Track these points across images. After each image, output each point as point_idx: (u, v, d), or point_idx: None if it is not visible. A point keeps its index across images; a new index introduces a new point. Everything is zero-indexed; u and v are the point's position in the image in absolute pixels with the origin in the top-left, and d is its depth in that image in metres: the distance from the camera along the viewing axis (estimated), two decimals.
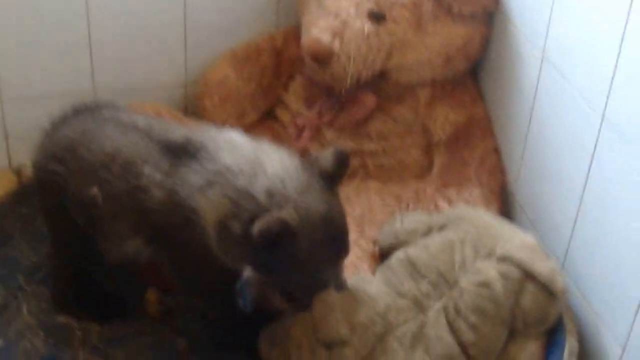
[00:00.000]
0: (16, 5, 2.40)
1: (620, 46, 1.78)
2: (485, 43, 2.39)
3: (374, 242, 2.20)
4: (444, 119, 2.38)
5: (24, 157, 2.40)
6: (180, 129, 1.90)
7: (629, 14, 1.75)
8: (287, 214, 1.69)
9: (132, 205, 1.83)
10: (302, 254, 1.74)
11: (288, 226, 1.68)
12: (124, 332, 2.09)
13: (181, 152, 1.81)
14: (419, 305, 1.93)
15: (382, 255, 2.13)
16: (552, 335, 1.98)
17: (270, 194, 1.71)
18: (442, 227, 2.08)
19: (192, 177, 1.77)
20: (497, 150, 2.36)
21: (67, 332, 2.08)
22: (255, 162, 1.77)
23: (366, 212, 2.29)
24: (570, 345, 1.94)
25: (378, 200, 2.33)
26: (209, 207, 1.75)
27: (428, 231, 2.09)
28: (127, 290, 2.15)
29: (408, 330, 1.89)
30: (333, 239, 1.79)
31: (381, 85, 2.39)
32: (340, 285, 1.86)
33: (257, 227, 1.66)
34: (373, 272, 2.10)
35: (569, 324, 1.98)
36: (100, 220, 1.88)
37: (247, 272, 1.88)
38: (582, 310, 2.02)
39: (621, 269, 1.84)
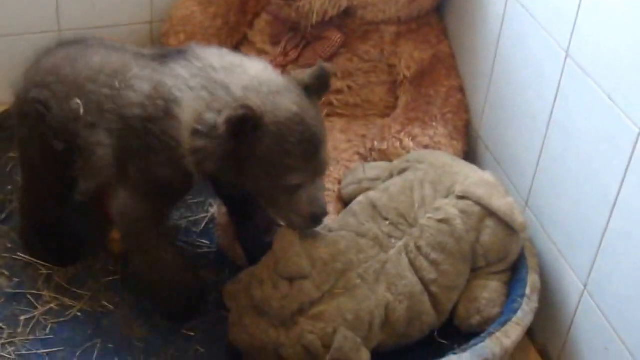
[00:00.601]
0: None
1: None
2: None
3: (339, 183, 2.19)
4: (409, 57, 2.38)
5: None
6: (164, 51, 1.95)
7: None
8: (253, 102, 1.73)
9: (114, 108, 1.87)
10: (268, 149, 1.77)
11: (252, 111, 1.71)
12: (88, 271, 2.10)
13: (171, 54, 1.88)
14: (380, 244, 1.95)
15: (346, 204, 2.14)
16: (515, 273, 2.00)
17: (246, 89, 1.76)
18: (402, 171, 2.10)
19: (179, 70, 1.82)
20: (461, 89, 2.36)
21: (32, 271, 2.09)
22: (238, 64, 1.82)
23: (331, 151, 2.26)
24: (532, 282, 1.96)
25: (343, 138, 2.33)
26: (190, 98, 1.79)
27: (389, 177, 2.11)
28: (91, 228, 2.16)
29: (370, 268, 1.91)
30: (305, 142, 1.79)
31: (347, 22, 2.39)
32: (319, 208, 1.85)
33: (224, 112, 1.71)
34: (338, 213, 2.10)
35: (531, 261, 2.00)
36: (78, 136, 1.91)
37: (217, 212, 1.88)
38: (545, 248, 2.04)
39: (583, 206, 1.85)
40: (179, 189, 1.95)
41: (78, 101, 1.91)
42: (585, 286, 1.87)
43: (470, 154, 2.29)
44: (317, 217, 1.85)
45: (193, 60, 1.84)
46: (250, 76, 1.80)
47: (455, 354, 1.81)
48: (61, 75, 1.96)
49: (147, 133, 1.84)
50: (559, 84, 1.91)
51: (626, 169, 1.69)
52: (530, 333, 2.05)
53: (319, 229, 1.93)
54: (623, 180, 1.70)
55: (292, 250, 1.87)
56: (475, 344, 1.83)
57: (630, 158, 1.67)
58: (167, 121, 1.80)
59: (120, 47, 1.98)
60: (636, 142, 1.65)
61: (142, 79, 1.86)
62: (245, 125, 1.72)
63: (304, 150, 1.79)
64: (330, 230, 1.97)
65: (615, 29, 1.70)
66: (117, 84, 1.87)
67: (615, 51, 1.69)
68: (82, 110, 1.90)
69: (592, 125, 1.79)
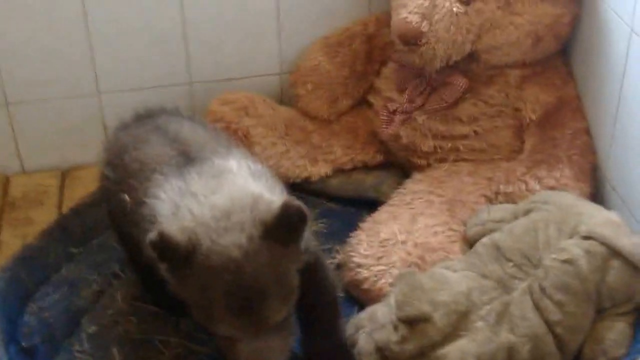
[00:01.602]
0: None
1: None
2: (575, 22, 2.36)
3: (465, 224, 2.20)
4: (534, 100, 2.35)
5: None
6: (207, 150, 1.84)
7: None
8: (173, 229, 1.57)
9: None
10: (194, 290, 1.60)
11: (166, 239, 1.54)
12: None
13: (195, 160, 1.79)
14: (504, 286, 1.94)
15: (471, 245, 2.13)
16: None
17: (197, 219, 1.61)
18: (526, 212, 2.09)
19: (177, 183, 1.73)
20: (587, 131, 2.33)
21: (159, 319, 2.12)
22: (213, 188, 1.68)
23: (457, 194, 2.29)
24: None
25: (470, 181, 2.32)
26: (163, 217, 1.69)
27: (514, 219, 2.10)
28: None
29: (492, 310, 1.89)
30: (232, 295, 1.57)
31: (471, 67, 2.39)
32: None
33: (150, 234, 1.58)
34: (463, 254, 2.10)
35: None
36: (129, 228, 1.88)
37: None
38: None
39: None
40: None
41: (126, 197, 1.85)
42: None
43: (597, 196, 2.26)
44: None
45: (187, 176, 1.73)
46: (208, 205, 1.63)
47: None
48: (124, 162, 1.91)
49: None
50: None
51: None
52: None
53: (441, 268, 1.94)
54: None
55: (413, 294, 1.87)
56: None
57: None
58: None
59: (174, 135, 1.89)
60: None
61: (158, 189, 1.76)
62: (169, 252, 1.56)
63: (231, 304, 1.58)
64: (454, 271, 1.98)
65: None
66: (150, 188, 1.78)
67: None
68: (128, 206, 1.85)
69: None
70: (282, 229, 1.59)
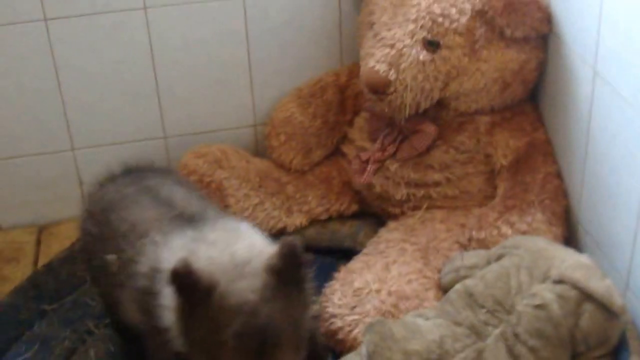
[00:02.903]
0: (82, 55, 2.48)
1: None
2: (542, 67, 2.34)
3: (439, 272, 2.16)
4: (505, 146, 2.33)
5: None
6: (205, 211, 1.85)
7: None
8: (198, 265, 1.57)
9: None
10: (202, 326, 1.58)
11: (190, 271, 1.54)
12: None
13: (196, 218, 1.79)
14: (477, 333, 1.90)
15: (445, 292, 2.09)
16: (617, 357, 1.91)
17: (212, 262, 1.62)
18: (498, 258, 2.06)
19: (179, 239, 1.73)
20: (559, 175, 2.30)
21: None
22: (230, 240, 1.69)
23: (430, 241, 2.25)
24: None
25: (443, 228, 2.29)
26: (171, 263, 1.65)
27: (487, 264, 2.07)
28: None
29: (466, 358, 1.85)
30: (246, 337, 1.56)
31: (441, 114, 2.36)
32: None
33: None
34: (438, 302, 2.06)
35: (633, 344, 1.91)
36: (112, 288, 1.87)
37: None
38: None
39: None
40: None
41: (114, 258, 1.84)
42: None
43: (571, 239, 2.22)
44: None
45: (198, 229, 1.74)
46: (228, 252, 1.64)
47: None
48: (109, 220, 1.90)
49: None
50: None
51: None
52: None
53: (413, 317, 1.89)
54: None
55: (384, 344, 1.84)
56: None
57: None
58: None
59: (167, 198, 1.89)
60: None
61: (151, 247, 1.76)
62: (189, 288, 1.56)
63: (245, 345, 1.57)
64: (427, 319, 1.93)
65: None
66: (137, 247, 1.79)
67: None
68: (116, 268, 1.83)
69: None
70: (286, 266, 1.59)
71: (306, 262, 1.63)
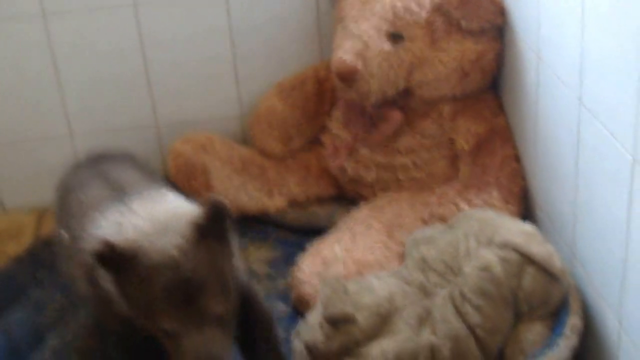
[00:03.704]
0: (79, 48, 2.65)
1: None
2: (500, 58, 2.47)
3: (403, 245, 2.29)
4: (467, 131, 2.45)
5: None
6: (139, 183, 1.97)
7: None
8: (119, 240, 1.67)
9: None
10: (138, 289, 1.68)
11: (109, 246, 1.64)
12: None
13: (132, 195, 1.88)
14: (425, 292, 2.03)
15: None
16: (558, 316, 2.02)
17: (135, 229, 1.72)
18: (451, 228, 2.19)
19: (112, 214, 1.82)
20: (517, 158, 2.43)
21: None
22: (152, 207, 1.79)
23: (395, 217, 2.38)
24: (572, 323, 1.99)
25: (408, 207, 2.41)
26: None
27: (442, 235, 2.19)
28: None
29: (414, 313, 1.98)
30: (174, 289, 1.66)
31: (407, 102, 2.49)
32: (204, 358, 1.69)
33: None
34: None
35: (574, 305, 2.03)
36: (67, 264, 2.00)
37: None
38: (589, 294, 2.06)
39: (619, 253, 1.88)
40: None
41: (64, 233, 1.96)
42: (620, 323, 1.90)
43: (528, 218, 2.33)
44: None
45: (128, 203, 1.82)
46: (150, 218, 1.74)
47: None
48: (65, 202, 2.06)
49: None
50: (578, 137, 1.99)
51: None
52: None
53: (369, 277, 2.03)
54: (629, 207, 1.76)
55: (337, 297, 1.97)
56: None
57: None
58: None
59: (114, 180, 1.98)
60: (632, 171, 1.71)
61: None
62: (111, 262, 1.66)
63: (172, 296, 1.66)
64: (380, 279, 2.07)
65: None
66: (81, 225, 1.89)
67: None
68: (67, 240, 1.95)
69: (613, 174, 1.85)
70: (211, 223, 1.68)
71: (229, 217, 1.71)
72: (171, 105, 2.75)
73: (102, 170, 2.06)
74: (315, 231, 2.50)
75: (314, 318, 2.00)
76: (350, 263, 2.22)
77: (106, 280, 1.73)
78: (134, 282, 1.67)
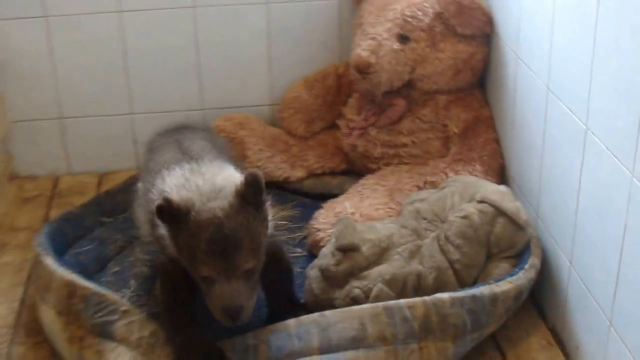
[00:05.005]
0: (147, 40, 3.06)
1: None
2: (487, 59, 2.88)
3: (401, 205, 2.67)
4: (457, 118, 2.85)
5: None
6: (205, 153, 2.21)
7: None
8: (176, 197, 1.93)
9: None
10: (187, 239, 1.93)
11: (170, 203, 1.89)
12: None
13: (196, 160, 2.14)
14: (417, 234, 2.42)
15: None
16: (522, 258, 2.40)
17: (193, 190, 1.97)
18: (441, 189, 2.57)
19: (180, 173, 2.08)
20: (497, 140, 2.82)
21: None
22: (215, 174, 2.04)
23: (396, 184, 2.76)
24: (531, 262, 2.37)
25: (407, 176, 2.79)
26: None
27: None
28: None
29: (407, 248, 2.37)
30: (215, 242, 1.90)
31: (410, 93, 2.90)
32: (230, 303, 1.92)
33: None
34: None
35: (534, 250, 2.41)
36: (138, 208, 2.32)
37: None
38: (547, 241, 2.45)
39: (572, 207, 2.26)
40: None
41: (140, 185, 2.27)
42: (571, 262, 2.27)
43: None
44: (228, 311, 1.93)
45: (196, 164, 2.08)
46: (209, 182, 1.98)
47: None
48: (148, 159, 2.32)
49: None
50: (545, 118, 2.38)
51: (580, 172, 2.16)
52: (542, 315, 2.45)
53: (373, 222, 2.45)
54: (581, 172, 2.17)
55: (347, 231, 2.36)
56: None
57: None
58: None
59: (185, 148, 2.24)
60: (584, 139, 2.13)
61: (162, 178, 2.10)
62: (169, 214, 1.91)
63: (213, 249, 1.90)
64: (382, 223, 2.48)
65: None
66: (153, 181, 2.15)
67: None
68: (140, 193, 2.26)
69: (572, 142, 2.23)
70: (250, 192, 1.95)
71: (264, 189, 1.96)
72: (215, 93, 3.14)
73: (179, 138, 2.34)
74: (327, 197, 2.86)
75: (327, 249, 2.41)
76: (358, 216, 2.61)
77: (163, 228, 2.01)
78: (184, 233, 1.94)
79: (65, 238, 2.61)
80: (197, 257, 1.93)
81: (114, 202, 2.83)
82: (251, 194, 1.95)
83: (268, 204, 2.05)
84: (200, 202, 1.94)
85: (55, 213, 2.89)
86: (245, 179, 1.95)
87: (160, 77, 3.11)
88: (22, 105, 3.10)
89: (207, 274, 1.93)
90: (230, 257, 1.91)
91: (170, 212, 1.91)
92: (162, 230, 2.02)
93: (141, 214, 2.28)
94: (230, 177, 2.04)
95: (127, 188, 2.82)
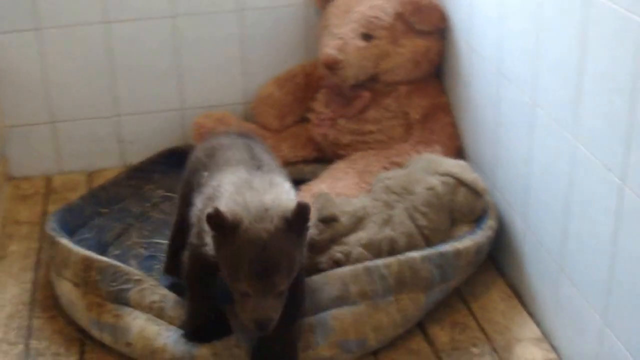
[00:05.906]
0: (132, 49, 3.27)
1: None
2: (442, 52, 3.14)
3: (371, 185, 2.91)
4: (417, 106, 3.10)
5: (134, 158, 3.28)
6: (265, 162, 2.29)
7: None
8: (227, 209, 1.98)
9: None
10: (230, 253, 2.00)
11: (220, 216, 1.96)
12: None
13: (261, 172, 2.22)
14: (388, 205, 2.66)
15: None
16: (481, 221, 2.68)
17: (245, 208, 2.02)
18: (407, 167, 2.83)
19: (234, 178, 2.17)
20: (454, 125, 3.08)
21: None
22: (266, 190, 2.10)
23: (365, 166, 3.00)
24: (489, 223, 2.64)
25: (374, 159, 3.03)
26: (222, 203, 2.08)
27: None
28: None
29: (380, 217, 2.62)
30: (256, 264, 1.97)
31: (374, 85, 3.13)
32: (261, 316, 2.00)
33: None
34: None
35: (491, 213, 2.68)
36: (196, 193, 2.30)
37: None
38: (502, 207, 2.72)
39: (523, 171, 2.52)
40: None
41: (206, 174, 2.29)
42: (527, 225, 2.53)
43: None
44: (259, 323, 2.01)
45: (254, 175, 2.14)
46: (260, 201, 2.03)
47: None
48: (214, 154, 2.37)
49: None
50: (497, 98, 2.63)
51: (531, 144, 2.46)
52: (502, 274, 2.71)
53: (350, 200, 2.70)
54: (530, 143, 2.45)
55: (327, 204, 2.61)
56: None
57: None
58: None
59: (255, 154, 2.31)
60: (532, 113, 2.42)
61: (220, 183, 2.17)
62: (219, 225, 1.97)
63: (253, 269, 1.97)
64: (357, 197, 2.73)
65: None
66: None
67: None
68: (203, 180, 2.26)
69: (521, 117, 2.51)
70: (296, 221, 2.03)
71: (309, 220, 2.05)
72: (194, 94, 3.34)
73: (249, 143, 2.42)
74: (302, 182, 2.99)
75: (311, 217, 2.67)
76: (334, 195, 2.84)
77: (209, 232, 2.06)
78: (229, 247, 2.01)
79: (67, 227, 2.80)
80: (238, 274, 2.01)
81: (108, 195, 3.06)
82: (297, 223, 2.04)
83: (307, 236, 2.14)
84: (248, 220, 2.01)
85: (52, 208, 3.09)
86: (296, 208, 2.03)
87: (143, 81, 3.30)
88: (16, 111, 3.27)
89: (245, 290, 2.02)
90: (269, 278, 2.00)
91: (218, 224, 2.00)
92: (207, 232, 2.09)
93: (197, 199, 2.30)
94: (283, 197, 2.10)
95: (119, 182, 3.10)
